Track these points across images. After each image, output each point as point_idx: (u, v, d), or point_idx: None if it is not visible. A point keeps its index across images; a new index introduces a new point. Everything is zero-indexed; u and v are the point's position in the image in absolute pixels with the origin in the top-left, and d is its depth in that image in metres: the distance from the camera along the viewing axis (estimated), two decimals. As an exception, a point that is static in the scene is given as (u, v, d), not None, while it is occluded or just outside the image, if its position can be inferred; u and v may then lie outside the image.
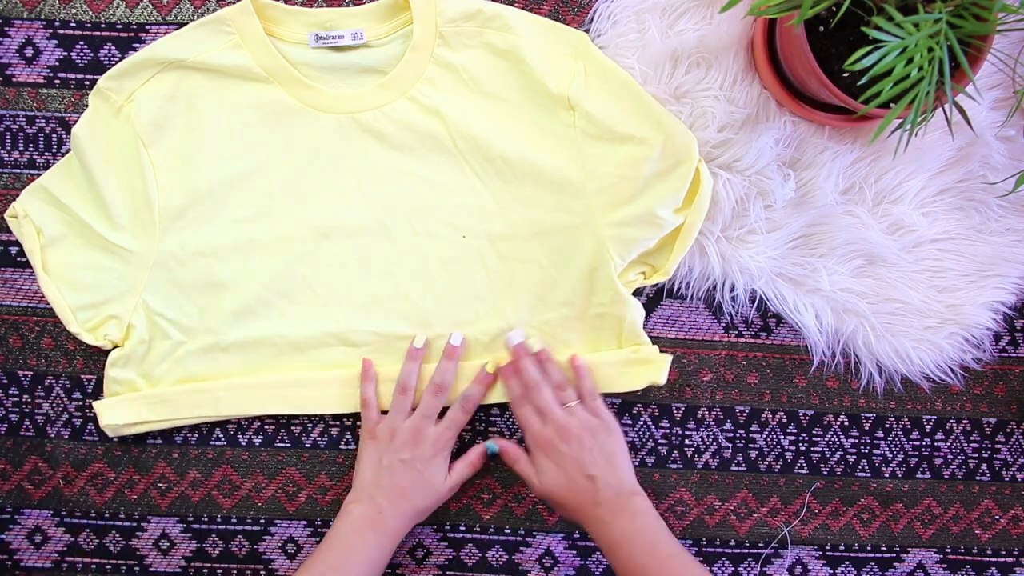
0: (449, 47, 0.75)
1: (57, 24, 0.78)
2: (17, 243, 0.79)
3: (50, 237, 0.75)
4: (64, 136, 0.78)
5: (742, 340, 0.81)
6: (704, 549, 0.82)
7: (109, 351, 0.77)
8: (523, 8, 0.78)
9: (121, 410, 0.76)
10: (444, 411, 0.76)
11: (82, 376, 0.80)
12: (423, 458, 0.73)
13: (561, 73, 0.74)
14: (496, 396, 0.78)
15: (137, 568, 0.81)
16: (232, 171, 0.76)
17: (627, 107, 0.74)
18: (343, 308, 0.77)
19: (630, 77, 0.74)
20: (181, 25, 0.78)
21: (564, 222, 0.76)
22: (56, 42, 0.78)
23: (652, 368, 0.76)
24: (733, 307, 0.79)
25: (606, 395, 0.79)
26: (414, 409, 0.75)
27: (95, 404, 0.76)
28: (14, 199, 0.78)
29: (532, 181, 0.76)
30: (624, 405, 0.81)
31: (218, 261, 0.76)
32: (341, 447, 0.81)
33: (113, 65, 0.78)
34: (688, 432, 0.81)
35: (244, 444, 0.80)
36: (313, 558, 0.70)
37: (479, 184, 0.77)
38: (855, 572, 0.82)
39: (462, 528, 0.81)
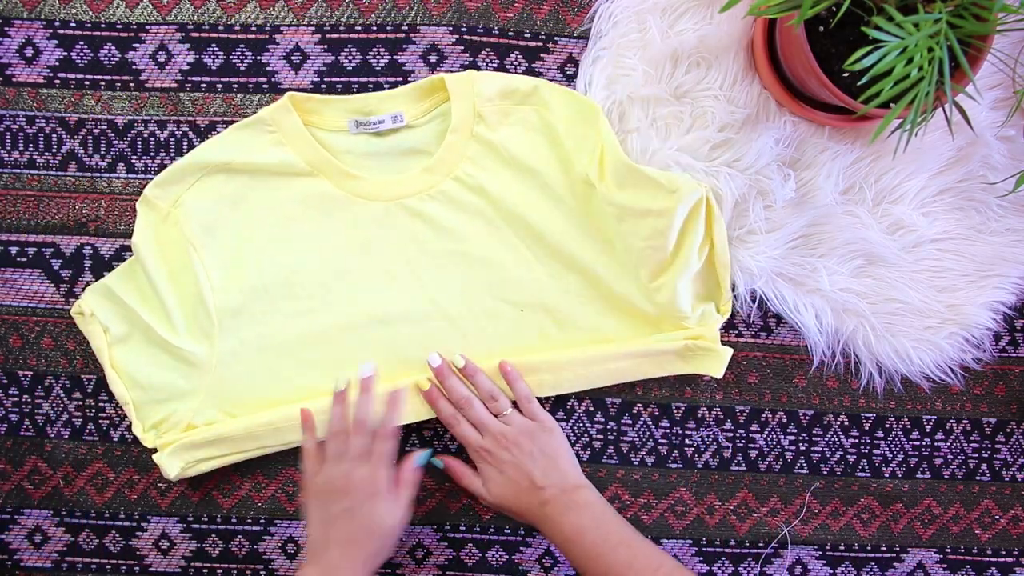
0: (487, 125, 0.75)
1: (57, 24, 0.78)
2: (17, 243, 0.79)
3: (116, 335, 0.76)
4: (64, 136, 0.78)
5: (742, 340, 0.81)
6: (704, 549, 0.82)
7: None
8: (523, 7, 0.78)
9: (181, 457, 0.75)
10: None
11: (82, 376, 0.80)
12: (360, 501, 0.69)
13: (585, 152, 0.75)
14: (426, 412, 0.77)
15: (137, 568, 0.81)
16: (285, 265, 0.76)
17: (636, 183, 0.73)
18: None
19: (625, 157, 0.74)
20: (181, 26, 0.78)
21: (615, 287, 0.76)
22: (56, 42, 0.78)
23: (710, 359, 0.77)
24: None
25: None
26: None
27: (156, 458, 0.75)
28: (14, 199, 0.78)
29: (579, 251, 0.76)
30: (624, 405, 0.81)
31: (278, 356, 0.76)
32: (341, 447, 0.81)
33: (112, 64, 0.78)
34: (688, 432, 0.81)
35: (244, 444, 0.80)
36: None
37: (531, 257, 0.77)
38: (855, 572, 0.82)
39: (462, 528, 0.81)
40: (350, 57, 0.79)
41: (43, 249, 0.79)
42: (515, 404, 0.76)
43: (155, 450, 0.76)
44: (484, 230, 0.77)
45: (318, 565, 0.68)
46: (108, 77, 0.78)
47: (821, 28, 0.65)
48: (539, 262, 0.77)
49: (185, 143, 0.79)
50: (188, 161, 0.75)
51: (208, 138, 0.78)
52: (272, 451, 0.77)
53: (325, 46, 0.79)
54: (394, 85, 0.79)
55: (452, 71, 0.78)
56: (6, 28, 0.78)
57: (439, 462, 0.77)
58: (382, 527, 0.69)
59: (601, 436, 0.81)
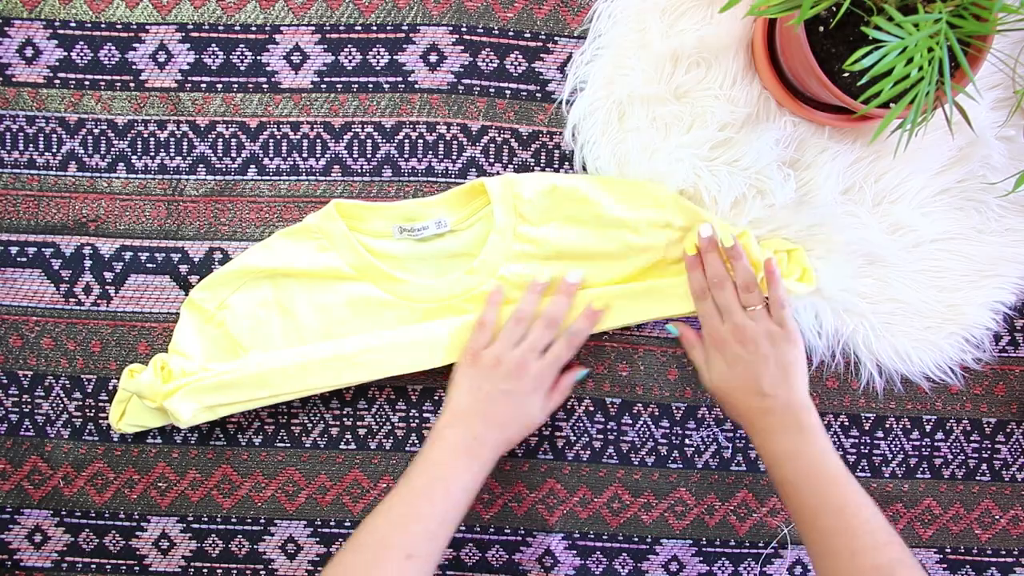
0: (530, 223, 0.76)
1: (57, 24, 0.78)
2: (17, 243, 0.79)
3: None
4: (64, 136, 0.79)
5: (742, 340, 0.81)
6: (704, 549, 0.82)
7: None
8: (523, 8, 0.78)
9: (194, 399, 0.74)
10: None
11: (82, 376, 0.80)
12: (523, 391, 0.71)
13: (652, 228, 0.75)
14: (605, 325, 0.76)
15: (137, 568, 0.81)
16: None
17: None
18: None
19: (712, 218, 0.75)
20: (181, 25, 0.78)
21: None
22: (56, 42, 0.78)
23: None
24: (733, 307, 0.79)
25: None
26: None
27: (166, 404, 0.73)
28: (14, 199, 0.78)
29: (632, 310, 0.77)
30: (624, 405, 0.81)
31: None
32: (341, 447, 0.81)
33: (112, 64, 0.78)
34: (688, 432, 0.81)
35: (244, 444, 0.80)
36: (401, 483, 0.67)
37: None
38: (855, 572, 0.82)
39: (462, 528, 0.81)
40: (350, 57, 0.79)
41: (43, 249, 0.79)
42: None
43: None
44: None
45: (462, 427, 0.70)
46: (108, 77, 0.78)
47: (821, 28, 0.65)
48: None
49: (185, 143, 0.79)
50: (234, 268, 0.76)
51: (207, 139, 0.78)
52: (283, 399, 0.76)
53: (325, 46, 0.79)
54: (394, 85, 0.79)
55: (452, 71, 0.78)
56: (6, 28, 0.78)
57: (673, 329, 0.76)
58: (531, 422, 0.72)
59: (601, 436, 0.81)
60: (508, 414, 0.71)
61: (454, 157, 0.79)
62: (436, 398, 0.81)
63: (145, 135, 0.79)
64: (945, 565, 0.83)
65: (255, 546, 0.81)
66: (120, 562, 0.81)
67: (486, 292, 0.76)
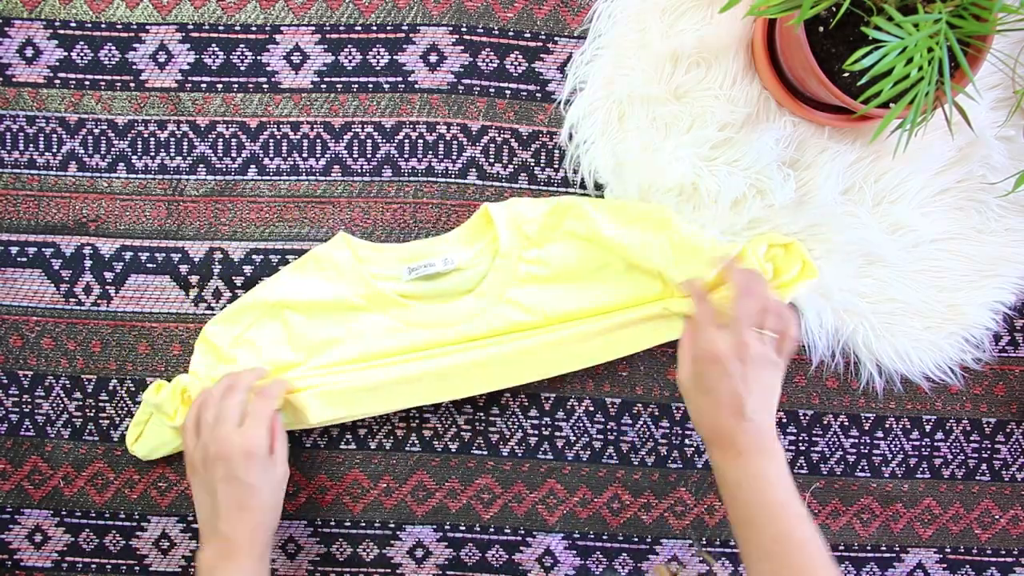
0: (535, 244, 0.77)
1: (57, 24, 0.78)
2: (17, 243, 0.79)
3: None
4: (64, 136, 0.79)
5: (742, 340, 0.81)
6: (704, 549, 0.82)
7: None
8: (523, 8, 0.78)
9: (328, 404, 0.75)
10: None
11: (82, 376, 0.80)
12: (239, 464, 0.65)
13: (649, 250, 0.75)
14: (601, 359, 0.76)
15: (137, 568, 0.81)
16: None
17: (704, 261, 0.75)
18: None
19: (706, 244, 0.75)
20: (181, 25, 0.78)
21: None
22: (56, 42, 0.78)
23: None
24: (733, 307, 0.79)
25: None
26: None
27: (295, 398, 0.74)
28: (14, 199, 0.78)
29: (642, 335, 0.77)
30: (624, 405, 0.81)
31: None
32: (341, 447, 0.81)
33: (112, 64, 0.78)
34: (688, 432, 0.81)
35: (244, 444, 0.80)
36: None
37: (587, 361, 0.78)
38: (855, 572, 0.82)
39: (462, 528, 0.81)
40: (350, 57, 0.79)
41: (43, 249, 0.79)
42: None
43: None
44: (537, 345, 0.76)
45: (210, 544, 0.65)
46: (108, 77, 0.78)
47: (821, 28, 0.65)
48: (595, 361, 0.78)
49: (185, 143, 0.79)
50: (247, 301, 0.76)
51: (207, 139, 0.78)
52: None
53: (325, 46, 0.79)
54: (394, 86, 0.79)
55: (452, 71, 0.79)
56: (6, 28, 0.78)
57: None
58: (268, 489, 0.67)
59: (601, 436, 0.81)
60: (239, 495, 0.65)
61: (454, 157, 0.79)
62: (436, 398, 0.81)
63: (145, 135, 0.79)
64: (945, 565, 0.83)
65: (255, 546, 0.81)
66: (120, 562, 0.81)
67: (497, 314, 0.76)
